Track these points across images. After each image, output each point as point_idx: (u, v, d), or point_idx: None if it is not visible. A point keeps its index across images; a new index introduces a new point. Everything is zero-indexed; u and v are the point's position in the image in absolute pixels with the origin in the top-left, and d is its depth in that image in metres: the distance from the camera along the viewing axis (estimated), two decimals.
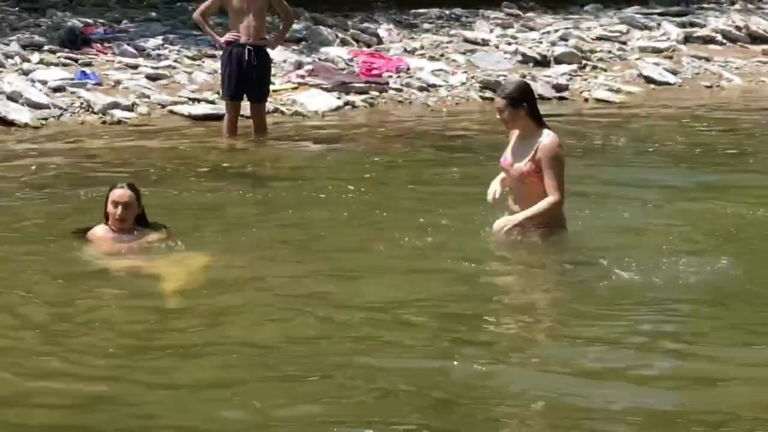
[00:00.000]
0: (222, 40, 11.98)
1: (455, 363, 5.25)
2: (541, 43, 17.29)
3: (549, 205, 7.02)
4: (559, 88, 15.12)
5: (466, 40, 17.37)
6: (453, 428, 4.65)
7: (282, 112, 13.53)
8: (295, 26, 15.35)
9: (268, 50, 12.09)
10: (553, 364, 5.30)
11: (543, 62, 16.39)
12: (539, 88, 15.09)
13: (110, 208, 7.34)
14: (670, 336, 5.72)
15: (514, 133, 7.20)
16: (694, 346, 5.59)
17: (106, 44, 15.67)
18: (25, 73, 13.70)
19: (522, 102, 7.01)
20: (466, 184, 9.31)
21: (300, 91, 14.42)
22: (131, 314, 6.29)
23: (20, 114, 12.30)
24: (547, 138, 7.01)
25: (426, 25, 18.80)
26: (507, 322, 6.27)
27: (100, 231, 7.44)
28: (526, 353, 5.56)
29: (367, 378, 5.09)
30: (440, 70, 15.70)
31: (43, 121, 12.41)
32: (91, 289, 6.81)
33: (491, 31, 18.32)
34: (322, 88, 14.55)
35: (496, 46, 17.16)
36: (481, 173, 8.69)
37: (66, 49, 15.01)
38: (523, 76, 15.33)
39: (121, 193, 7.40)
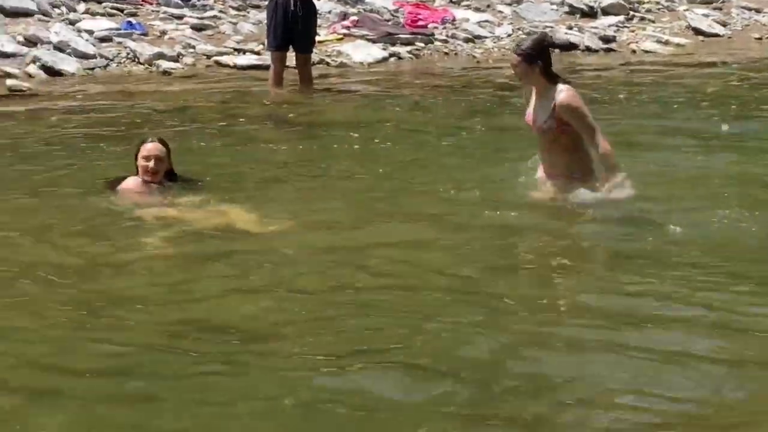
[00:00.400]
0: None
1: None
2: None
3: (609, 158, 7.02)
4: (606, 39, 15.12)
5: None
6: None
7: (327, 63, 13.57)
8: None
9: (314, 1, 12.07)
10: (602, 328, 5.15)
11: (590, 13, 16.36)
12: (586, 39, 15.18)
13: (141, 162, 7.44)
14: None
15: (532, 90, 7.22)
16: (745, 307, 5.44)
17: None
18: (72, 23, 13.74)
19: (537, 59, 6.99)
20: (509, 137, 9.30)
21: (345, 42, 14.51)
22: (165, 262, 6.33)
23: (68, 64, 12.41)
24: (561, 93, 7.01)
25: None
26: (567, 281, 6.16)
27: (131, 183, 7.53)
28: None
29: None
30: (486, 21, 15.74)
31: (90, 71, 12.49)
32: (125, 238, 6.87)
33: None
34: (367, 39, 14.65)
35: None
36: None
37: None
38: (570, 28, 15.49)
39: (151, 146, 7.49)
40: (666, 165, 8.28)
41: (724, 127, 9.72)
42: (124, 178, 7.59)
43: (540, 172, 7.41)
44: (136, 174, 7.51)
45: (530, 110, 7.26)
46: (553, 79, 7.05)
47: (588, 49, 15.01)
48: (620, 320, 5.17)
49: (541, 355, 4.84)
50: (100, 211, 7.34)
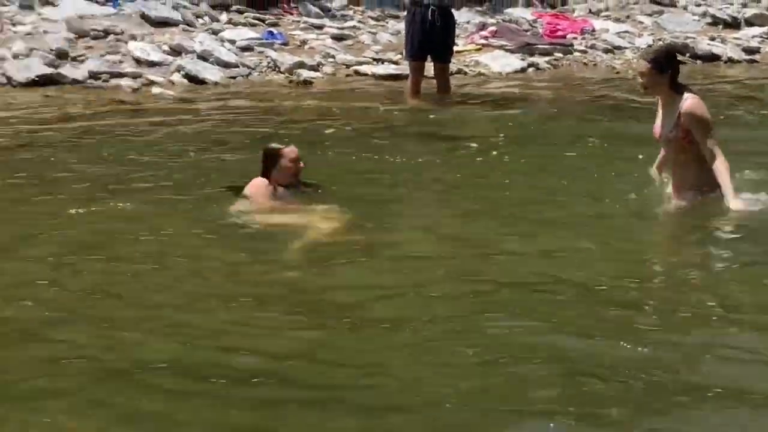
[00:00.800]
0: (407, 1, 12.05)
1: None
2: (731, 4, 17.20)
3: (725, 170, 6.92)
4: (749, 50, 15.01)
5: (653, 2, 17.40)
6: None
7: (465, 73, 13.69)
8: None
9: (453, 11, 12.14)
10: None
11: (733, 24, 16.31)
12: (729, 50, 15.08)
13: (288, 164, 7.54)
14: None
15: (659, 101, 7.10)
16: None
17: (292, 4, 16.02)
18: (215, 32, 14.10)
19: (668, 68, 6.88)
20: (645, 149, 9.22)
21: (483, 52, 14.59)
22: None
23: (210, 73, 12.71)
24: (687, 100, 6.90)
25: None
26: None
27: (262, 188, 7.67)
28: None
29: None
30: (626, 32, 15.78)
31: (232, 80, 12.76)
32: (257, 245, 6.92)
33: None
34: (505, 49, 14.72)
35: (684, 8, 17.14)
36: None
37: (253, 9, 15.35)
38: (712, 38, 15.46)
39: (295, 149, 7.62)
40: None
41: None
42: (246, 184, 7.69)
43: (669, 188, 7.32)
44: (265, 178, 7.61)
45: (657, 122, 7.19)
46: (680, 89, 6.96)
47: (730, 60, 14.93)
48: None
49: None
50: (232, 215, 7.47)
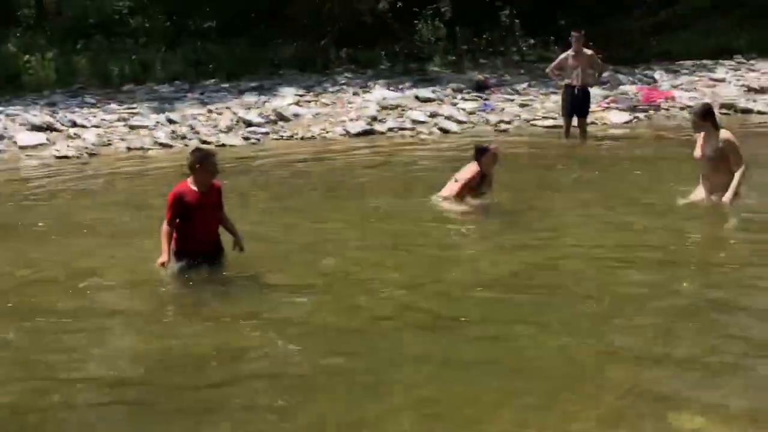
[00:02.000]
0: (562, 83, 15.76)
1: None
2: (759, 78, 20.56)
3: (741, 174, 8.67)
4: None
5: (711, 79, 21.45)
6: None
7: (595, 123, 17.16)
8: (604, 74, 18.34)
9: (589, 89, 15.80)
10: None
11: (761, 90, 19.39)
12: (758, 105, 18.14)
13: (490, 165, 9.45)
14: None
15: (700, 135, 8.93)
16: None
17: (497, 88, 20.80)
18: (454, 104, 19.17)
19: (707, 116, 8.88)
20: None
21: (606, 111, 18.42)
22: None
23: (452, 126, 17.38)
24: (725, 133, 8.76)
25: (684, 71, 22.63)
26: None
27: (464, 190, 9.36)
28: None
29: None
30: (694, 97, 19.11)
31: (463, 129, 17.15)
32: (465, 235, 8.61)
33: (726, 72, 21.96)
34: (619, 109, 18.60)
35: (729, 82, 20.79)
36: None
37: (475, 91, 20.31)
38: (747, 99, 18.66)
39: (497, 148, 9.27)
40: None
41: None
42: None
43: (699, 193, 9.00)
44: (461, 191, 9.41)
45: (697, 150, 8.98)
46: (717, 127, 8.85)
47: (760, 112, 18.10)
48: None
49: None
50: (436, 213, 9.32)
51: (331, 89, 20.59)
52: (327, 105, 19.25)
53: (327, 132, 17.25)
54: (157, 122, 17.86)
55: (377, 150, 15.39)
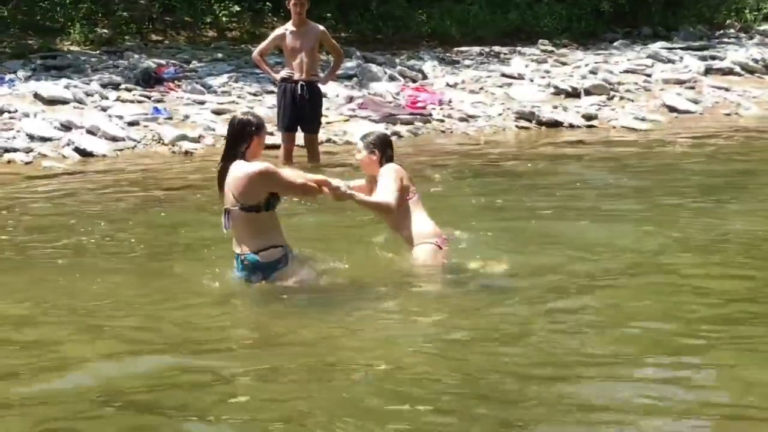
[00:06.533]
0: (277, 76, 11.78)
1: None
2: (572, 76, 17.05)
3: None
4: (588, 117, 14.83)
5: (504, 75, 17.16)
6: None
7: (334, 142, 13.29)
8: (347, 64, 15.06)
9: (320, 85, 11.90)
10: None
11: (574, 94, 16.15)
12: (570, 117, 14.91)
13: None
14: None
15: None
16: None
17: (176, 82, 15.49)
18: (104, 109, 13.59)
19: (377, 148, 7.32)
20: (505, 208, 9.31)
21: (351, 122, 14.15)
22: None
23: (98, 146, 12.23)
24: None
25: (467, 62, 18.56)
26: None
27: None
28: None
29: None
30: (479, 102, 15.47)
31: (119, 152, 12.27)
32: None
33: (526, 66, 17.98)
34: (370, 120, 14.26)
35: (531, 80, 16.93)
36: (511, 198, 8.97)
37: (141, 88, 14.88)
38: (555, 107, 15.26)
39: None
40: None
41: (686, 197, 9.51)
42: None
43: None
44: None
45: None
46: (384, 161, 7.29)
47: (571, 125, 14.78)
48: None
49: None
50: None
51: None
52: None
53: None
54: None
55: None
